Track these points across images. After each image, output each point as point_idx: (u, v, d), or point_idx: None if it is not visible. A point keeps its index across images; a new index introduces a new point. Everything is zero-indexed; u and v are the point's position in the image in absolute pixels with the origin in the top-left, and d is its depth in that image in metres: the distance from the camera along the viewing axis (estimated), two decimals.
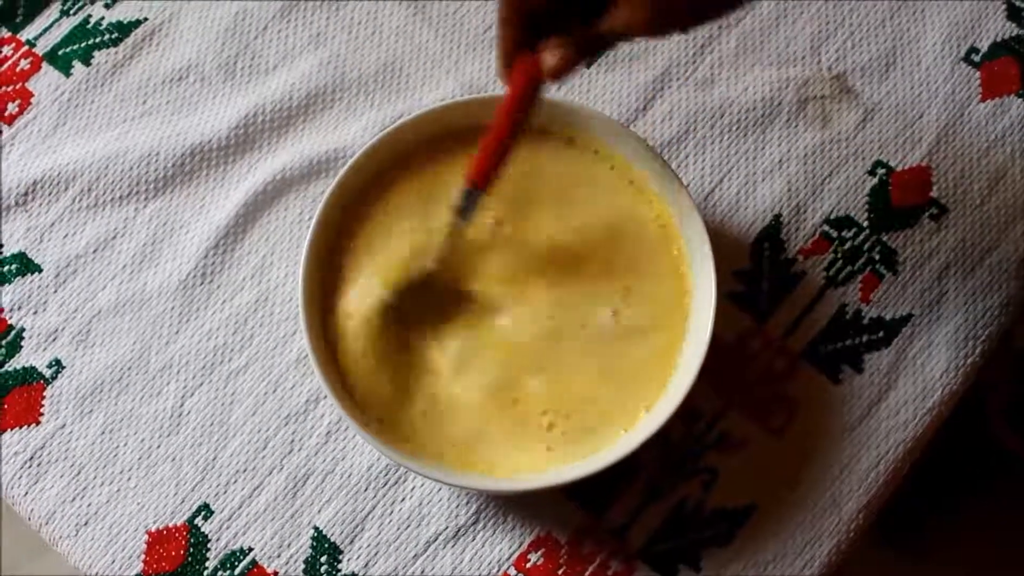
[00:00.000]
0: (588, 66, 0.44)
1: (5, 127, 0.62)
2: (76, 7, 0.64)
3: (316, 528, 0.54)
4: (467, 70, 0.62)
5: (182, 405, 0.56)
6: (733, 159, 0.59)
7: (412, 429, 0.50)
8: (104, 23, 0.64)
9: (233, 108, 0.61)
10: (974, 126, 0.60)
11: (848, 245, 0.58)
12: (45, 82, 0.63)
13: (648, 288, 0.52)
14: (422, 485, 0.54)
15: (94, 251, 0.59)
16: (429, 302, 0.52)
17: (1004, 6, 0.62)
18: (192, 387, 0.57)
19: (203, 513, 0.54)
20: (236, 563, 0.53)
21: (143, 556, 0.54)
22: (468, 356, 0.51)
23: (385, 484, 0.54)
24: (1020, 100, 0.60)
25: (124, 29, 0.64)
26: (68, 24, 0.64)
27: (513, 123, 0.47)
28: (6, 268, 0.59)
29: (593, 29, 0.43)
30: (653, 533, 0.53)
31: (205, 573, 0.53)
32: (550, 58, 0.44)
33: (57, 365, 0.57)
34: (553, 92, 0.61)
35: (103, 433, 0.56)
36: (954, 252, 0.57)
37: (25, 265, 0.59)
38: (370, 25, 0.63)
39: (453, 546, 0.53)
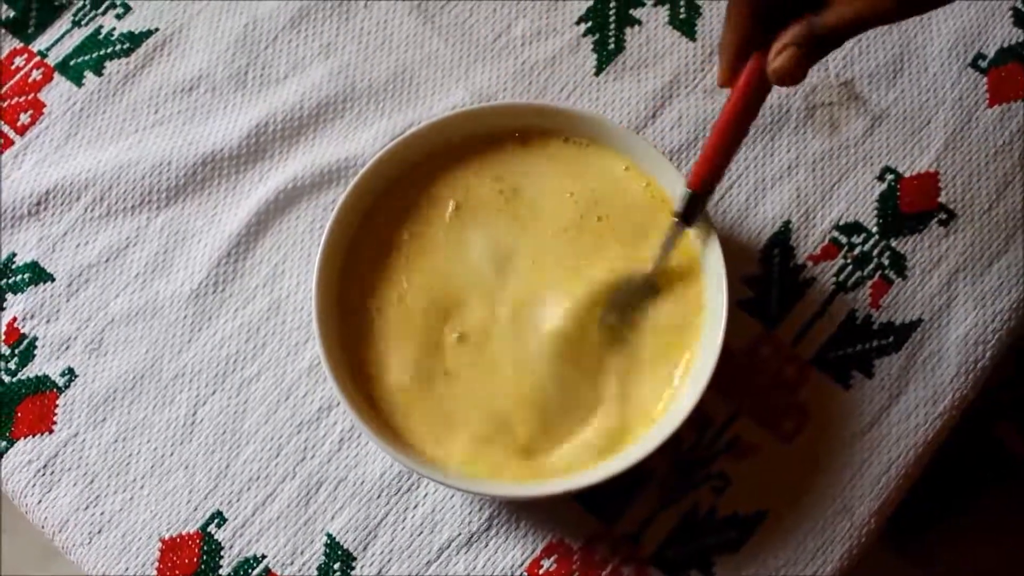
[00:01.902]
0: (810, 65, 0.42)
1: (17, 137, 0.62)
2: (88, 18, 0.65)
3: (329, 535, 0.54)
4: (477, 79, 0.62)
5: (195, 413, 0.56)
6: (742, 166, 0.60)
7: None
8: (115, 34, 0.64)
9: (244, 118, 0.62)
10: (982, 132, 0.60)
11: (857, 251, 0.58)
12: (57, 92, 0.63)
13: (661, 293, 0.52)
14: (435, 492, 0.54)
15: (106, 260, 0.60)
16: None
17: (1011, 12, 0.62)
18: (205, 395, 0.57)
19: (216, 521, 0.55)
20: (249, 570, 0.54)
21: (156, 564, 0.54)
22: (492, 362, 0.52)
23: (398, 491, 0.54)
24: None
25: (135, 39, 0.64)
26: (80, 35, 0.64)
27: (737, 127, 0.46)
28: (19, 277, 0.60)
29: (824, 22, 0.40)
30: (665, 539, 0.53)
31: None
32: (779, 60, 0.42)
33: (70, 374, 0.58)
34: (563, 100, 0.61)
35: (116, 441, 0.56)
36: (963, 257, 0.57)
37: (38, 274, 0.59)
38: (380, 34, 0.63)
39: (466, 552, 0.53)
